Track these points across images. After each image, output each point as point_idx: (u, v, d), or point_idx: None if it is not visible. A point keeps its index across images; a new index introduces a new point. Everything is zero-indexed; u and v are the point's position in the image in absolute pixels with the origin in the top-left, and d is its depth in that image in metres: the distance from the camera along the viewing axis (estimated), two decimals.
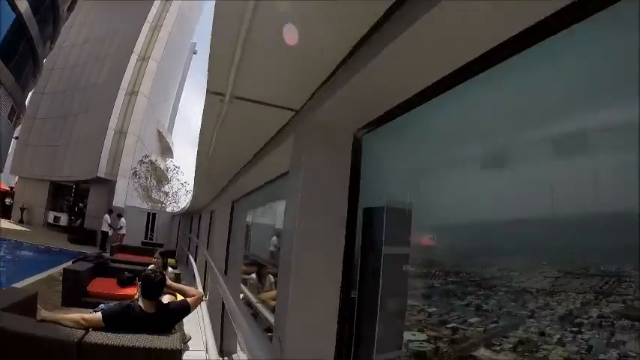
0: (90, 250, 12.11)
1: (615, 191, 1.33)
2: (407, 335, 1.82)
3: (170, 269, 5.85)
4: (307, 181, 1.66)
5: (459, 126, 1.76)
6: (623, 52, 1.17)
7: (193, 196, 8.28)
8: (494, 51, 1.15)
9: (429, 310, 1.86)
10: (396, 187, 1.87)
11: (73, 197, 22.96)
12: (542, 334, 1.64)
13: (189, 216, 13.98)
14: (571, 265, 1.61)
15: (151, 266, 4.84)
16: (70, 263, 7.66)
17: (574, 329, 1.58)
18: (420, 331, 1.83)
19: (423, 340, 1.81)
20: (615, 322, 1.50)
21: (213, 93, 1.70)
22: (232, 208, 4.88)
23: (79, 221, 21.36)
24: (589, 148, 1.42)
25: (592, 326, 1.55)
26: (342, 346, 1.64)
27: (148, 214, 19.19)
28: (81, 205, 22.13)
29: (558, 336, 1.60)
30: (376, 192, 1.82)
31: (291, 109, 1.81)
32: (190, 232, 12.66)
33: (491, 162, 1.70)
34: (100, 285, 6.58)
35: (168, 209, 20.69)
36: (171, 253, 12.02)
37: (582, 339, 1.55)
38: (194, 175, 4.63)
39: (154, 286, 3.02)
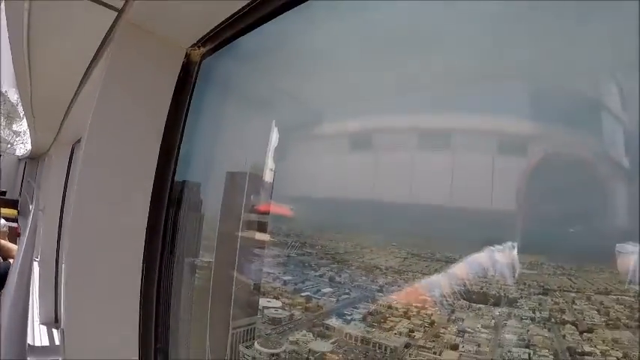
0: None
1: (469, 189, 1.36)
2: (262, 302, 1.86)
3: (3, 221, 5.19)
4: (107, 109, 1.31)
5: (327, 87, 1.71)
6: None
7: (31, 136, 7.09)
8: None
9: (285, 279, 1.89)
10: (247, 146, 1.81)
11: None
12: (389, 307, 1.70)
13: (35, 161, 12.33)
14: (418, 248, 1.65)
15: None
16: None
17: (418, 305, 1.64)
18: (276, 298, 1.87)
19: (278, 307, 1.85)
20: (455, 302, 1.57)
21: None
22: (72, 153, 4.12)
23: None
24: (452, 146, 1.43)
25: (435, 304, 1.62)
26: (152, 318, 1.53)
27: None
28: None
29: (404, 310, 1.67)
30: (216, 145, 1.76)
31: (113, 8, 1.37)
32: (34, 181, 10.95)
33: (358, 138, 1.67)
34: None
35: (19, 152, 17.39)
36: (13, 203, 10.46)
37: (426, 314, 1.62)
38: (21, 103, 3.82)
39: None
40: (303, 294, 1.84)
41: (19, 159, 16.63)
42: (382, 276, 1.73)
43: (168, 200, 1.47)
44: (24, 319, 1.26)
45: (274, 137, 1.73)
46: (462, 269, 1.36)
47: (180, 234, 1.63)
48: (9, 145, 17.36)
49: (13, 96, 17.37)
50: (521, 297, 1.33)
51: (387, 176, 1.62)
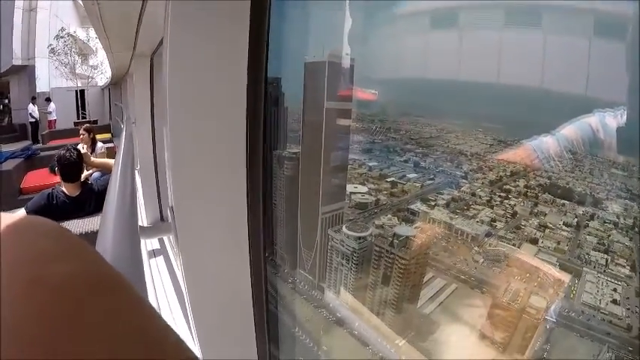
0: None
1: (560, 72, 1.27)
2: (349, 187, 1.95)
3: (100, 144, 5.63)
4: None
5: None
6: None
7: (109, 61, 6.98)
8: None
9: (370, 165, 1.94)
10: (327, 33, 1.78)
11: None
12: (473, 194, 1.70)
13: (117, 86, 12.59)
14: (505, 134, 1.58)
15: (79, 145, 4.44)
16: None
17: (502, 194, 1.63)
18: (362, 183, 1.95)
19: (365, 193, 1.93)
20: (539, 194, 1.53)
21: None
22: (152, 65, 4.07)
23: (6, 119, 19.21)
24: (543, 26, 1.31)
25: (518, 194, 1.59)
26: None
27: (76, 92, 18.00)
28: (5, 101, 19.79)
29: (487, 198, 1.66)
30: (297, 39, 1.74)
31: None
32: (121, 102, 11.43)
33: (443, 16, 1.58)
34: (34, 179, 6.27)
35: (100, 82, 18.58)
36: (105, 127, 11.57)
37: (509, 204, 1.61)
38: (93, 27, 3.67)
39: (70, 167, 2.88)
40: (388, 179, 1.90)
41: (102, 88, 17.93)
42: (467, 162, 1.72)
43: (264, 95, 1.49)
44: (133, 222, 1.44)
45: (352, 22, 1.70)
46: (571, 130, 1.28)
47: (271, 127, 1.73)
48: (90, 79, 18.83)
49: (82, 34, 18.48)
50: (607, 199, 1.25)
51: (473, 56, 1.54)
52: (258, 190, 1.57)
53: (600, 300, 1.23)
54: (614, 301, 1.21)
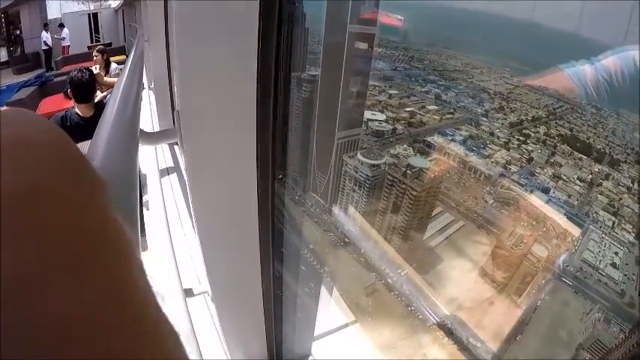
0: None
1: (600, 19, 1.20)
2: (367, 114, 1.93)
3: (115, 65, 5.33)
4: None
5: None
6: None
7: None
8: None
9: (390, 92, 1.91)
10: None
11: (5, 27, 18.65)
12: (491, 134, 1.69)
13: (131, 6, 11.99)
14: (532, 78, 1.54)
15: (93, 67, 4.30)
16: None
17: (520, 138, 1.62)
18: (380, 111, 1.93)
19: (382, 120, 1.92)
20: (558, 144, 1.51)
21: None
22: None
23: (19, 49, 18.12)
24: None
25: (537, 141, 1.58)
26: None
27: (89, 15, 17.47)
28: (17, 32, 19.52)
29: (505, 140, 1.66)
30: None
31: None
32: (135, 23, 10.99)
33: None
34: (48, 105, 6.14)
35: (114, 4, 17.99)
36: (120, 49, 11.27)
37: (526, 149, 1.61)
38: None
39: (83, 87, 2.85)
40: (407, 109, 1.88)
41: (116, 10, 17.33)
42: (489, 101, 1.69)
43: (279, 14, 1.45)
44: (132, 130, 1.41)
45: None
46: (610, 61, 1.24)
47: (289, 48, 1.68)
48: (102, 1, 18.13)
49: None
50: (626, 161, 1.24)
51: None
52: (268, 108, 1.58)
53: (600, 261, 1.27)
54: (614, 265, 1.24)
